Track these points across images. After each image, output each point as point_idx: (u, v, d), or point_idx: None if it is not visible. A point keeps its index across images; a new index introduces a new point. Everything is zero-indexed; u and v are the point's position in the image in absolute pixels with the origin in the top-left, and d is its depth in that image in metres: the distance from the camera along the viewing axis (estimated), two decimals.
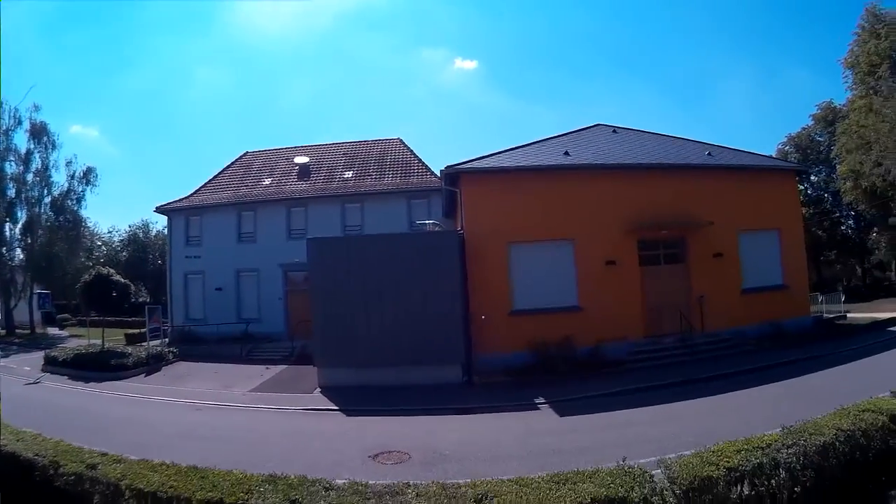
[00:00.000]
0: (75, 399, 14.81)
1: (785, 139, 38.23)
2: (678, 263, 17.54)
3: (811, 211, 33.83)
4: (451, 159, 20.42)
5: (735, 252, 17.75)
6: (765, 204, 18.32)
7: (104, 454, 5.61)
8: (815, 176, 35.29)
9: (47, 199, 31.86)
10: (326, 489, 4.66)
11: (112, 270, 26.45)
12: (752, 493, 4.66)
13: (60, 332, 33.52)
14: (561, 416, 11.15)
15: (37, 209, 31.86)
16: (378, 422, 11.64)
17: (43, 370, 19.10)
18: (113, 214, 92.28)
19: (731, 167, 18.37)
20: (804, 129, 36.59)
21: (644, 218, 16.76)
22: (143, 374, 18.28)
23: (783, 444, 5.07)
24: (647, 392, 12.49)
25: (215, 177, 26.82)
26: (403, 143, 26.94)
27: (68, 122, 72.45)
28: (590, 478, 4.62)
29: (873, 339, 16.14)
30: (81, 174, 32.87)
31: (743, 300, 17.49)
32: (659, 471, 4.87)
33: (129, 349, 20.55)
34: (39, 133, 31.51)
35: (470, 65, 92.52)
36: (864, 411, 5.75)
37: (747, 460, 4.83)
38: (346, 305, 14.99)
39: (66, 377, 18.08)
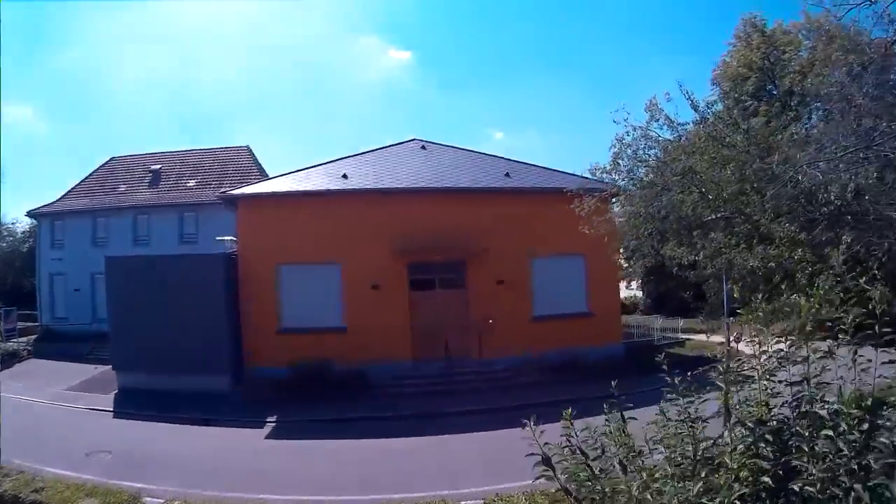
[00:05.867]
0: None
1: None
2: (457, 289, 19.34)
3: None
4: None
5: (526, 278, 19.41)
6: (569, 228, 20.50)
7: None
8: None
9: None
10: None
11: None
12: None
13: None
14: (265, 438, 13.71)
15: None
16: (127, 425, 14.92)
17: None
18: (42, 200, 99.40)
19: (522, 190, 19.92)
20: None
21: (416, 242, 18.37)
22: None
23: None
24: (377, 421, 14.58)
25: (82, 181, 30.68)
26: (250, 151, 30.38)
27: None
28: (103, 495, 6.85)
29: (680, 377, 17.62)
30: None
31: (533, 328, 19.02)
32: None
33: None
34: None
35: (404, 55, 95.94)
36: None
37: None
38: (136, 317, 18.20)
39: None
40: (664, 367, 3.36)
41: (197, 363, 17.75)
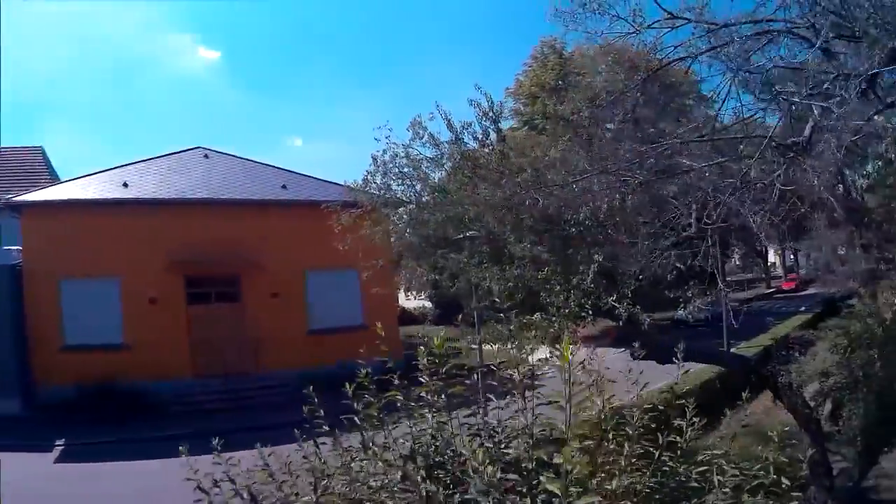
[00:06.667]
0: None
1: None
2: (234, 302, 20.59)
3: None
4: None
5: (301, 291, 20.98)
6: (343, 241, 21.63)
7: None
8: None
9: None
10: None
11: None
12: None
13: None
14: (54, 463, 14.05)
15: None
16: None
17: None
18: None
19: (296, 202, 21.24)
20: None
21: (193, 254, 19.04)
22: None
23: None
24: (161, 441, 14.49)
25: None
26: (43, 152, 28.91)
27: None
28: None
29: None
30: None
31: (310, 341, 20.34)
32: None
33: None
34: None
35: (213, 55, 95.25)
36: None
37: None
38: None
39: None
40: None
41: None
